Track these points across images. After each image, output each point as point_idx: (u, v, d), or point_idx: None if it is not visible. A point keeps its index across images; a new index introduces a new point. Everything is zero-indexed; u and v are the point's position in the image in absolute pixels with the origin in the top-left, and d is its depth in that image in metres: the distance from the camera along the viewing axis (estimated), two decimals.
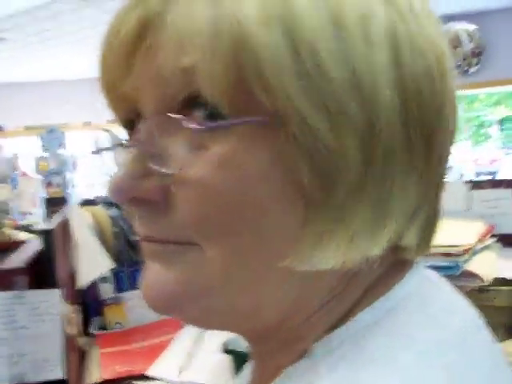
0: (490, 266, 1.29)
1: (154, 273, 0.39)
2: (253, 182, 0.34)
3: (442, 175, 0.40)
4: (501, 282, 1.27)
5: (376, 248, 0.36)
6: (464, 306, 0.42)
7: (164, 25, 0.35)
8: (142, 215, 0.39)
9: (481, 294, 1.25)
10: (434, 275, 0.43)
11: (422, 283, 0.41)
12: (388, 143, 0.34)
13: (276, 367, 0.40)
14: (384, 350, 0.35)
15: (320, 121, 0.33)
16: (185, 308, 0.39)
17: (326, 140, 0.33)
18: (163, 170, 0.36)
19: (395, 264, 0.41)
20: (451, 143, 0.39)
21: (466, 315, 0.41)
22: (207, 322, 0.41)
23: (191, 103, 0.36)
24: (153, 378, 1.47)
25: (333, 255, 0.35)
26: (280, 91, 0.32)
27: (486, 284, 1.21)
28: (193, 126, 0.35)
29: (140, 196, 0.37)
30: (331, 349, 0.37)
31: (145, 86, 0.37)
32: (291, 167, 0.34)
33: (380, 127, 0.34)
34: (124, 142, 0.40)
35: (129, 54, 0.37)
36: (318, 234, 0.35)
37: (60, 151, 6.55)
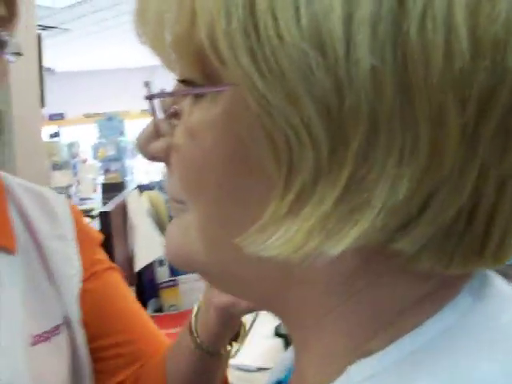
0: None
1: (170, 226, 0.41)
2: (212, 156, 0.34)
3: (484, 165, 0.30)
4: None
5: (336, 246, 0.30)
6: None
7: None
8: (166, 172, 0.41)
9: None
10: (505, 285, 0.37)
11: (484, 297, 0.35)
12: (367, 117, 0.28)
13: (313, 375, 0.38)
14: None
15: (276, 91, 0.29)
16: (185, 265, 0.41)
17: (283, 113, 0.29)
18: (164, 133, 0.39)
19: (443, 282, 0.34)
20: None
21: None
22: (210, 283, 0.43)
23: None
24: None
25: (282, 244, 0.31)
26: (232, 61, 0.30)
27: None
28: (158, 96, 0.38)
29: (152, 155, 0.40)
30: (367, 377, 0.33)
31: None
32: (250, 144, 0.32)
33: (356, 99, 0.28)
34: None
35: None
36: (279, 217, 0.31)
37: (120, 138, 6.69)
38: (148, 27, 0.37)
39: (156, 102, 0.39)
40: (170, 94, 0.38)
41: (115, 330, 0.87)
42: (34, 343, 0.77)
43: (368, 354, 0.34)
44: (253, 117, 0.31)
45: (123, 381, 0.86)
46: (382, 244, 0.31)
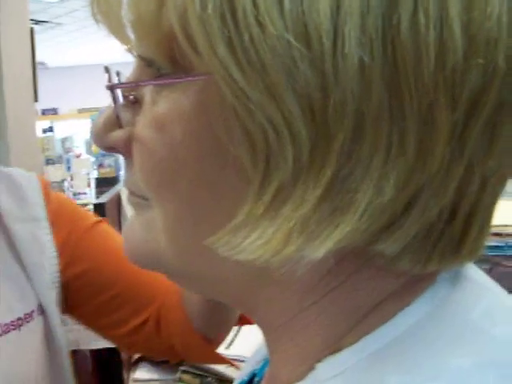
0: None
1: (130, 221, 0.39)
2: (183, 150, 0.31)
3: (471, 165, 0.29)
4: None
5: (318, 248, 0.29)
6: None
7: None
8: (125, 165, 0.39)
9: None
10: (477, 274, 0.36)
11: (457, 288, 0.34)
12: (353, 114, 0.27)
13: (282, 376, 0.38)
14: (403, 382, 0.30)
15: (255, 84, 0.27)
16: (147, 263, 0.38)
17: (262, 108, 0.27)
18: (124, 123, 0.35)
19: (417, 275, 0.33)
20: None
21: None
22: (176, 283, 0.40)
23: None
24: None
25: (260, 247, 0.29)
26: (207, 49, 0.27)
27: None
28: (116, 87, 0.35)
29: (110, 146, 0.37)
30: (336, 374, 0.32)
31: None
32: (225, 138, 0.30)
33: (341, 96, 0.26)
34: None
35: None
36: (254, 217, 0.29)
37: None
38: (105, 4, 0.34)
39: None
40: (134, 84, 0.35)
41: (115, 282, 0.86)
42: (3, 332, 0.75)
43: (338, 350, 0.33)
44: (228, 110, 0.28)
45: (146, 319, 0.86)
46: (363, 246, 0.30)
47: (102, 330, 0.88)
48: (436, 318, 0.32)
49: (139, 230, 0.37)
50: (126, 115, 0.36)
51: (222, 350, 1.47)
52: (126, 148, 0.35)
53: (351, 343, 0.33)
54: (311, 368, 0.34)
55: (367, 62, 0.26)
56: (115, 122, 0.36)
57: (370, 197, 0.28)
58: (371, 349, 0.32)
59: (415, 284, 0.33)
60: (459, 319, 0.32)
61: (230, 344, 1.42)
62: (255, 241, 0.29)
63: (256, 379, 0.47)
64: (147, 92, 0.33)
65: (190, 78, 0.30)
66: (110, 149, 0.37)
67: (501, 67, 0.27)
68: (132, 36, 0.32)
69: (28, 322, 0.78)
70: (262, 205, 0.29)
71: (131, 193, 0.38)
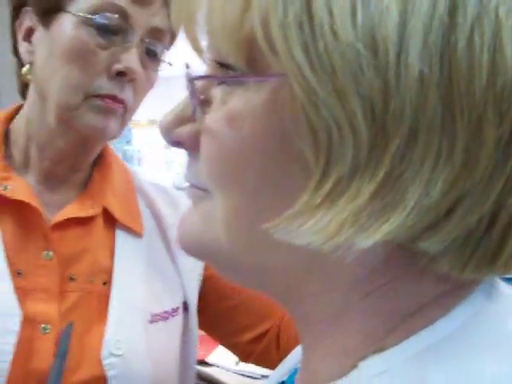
0: None
1: (187, 212, 0.41)
2: (253, 142, 0.34)
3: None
4: None
5: (367, 239, 0.31)
6: None
7: None
8: (187, 159, 0.41)
9: None
10: (509, 289, 0.38)
11: (492, 300, 0.36)
12: (409, 121, 0.29)
13: (321, 369, 0.39)
14: None
15: (325, 85, 0.30)
16: (201, 252, 0.41)
17: (329, 107, 0.30)
18: (196, 118, 0.38)
19: (456, 284, 0.36)
20: None
21: None
22: (223, 272, 0.42)
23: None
24: (212, 365, 1.53)
25: (314, 233, 0.32)
26: (285, 52, 0.31)
27: None
28: (205, 78, 0.37)
29: (177, 140, 0.40)
30: (379, 373, 0.34)
31: (206, 35, 0.38)
32: (292, 134, 0.33)
33: (400, 102, 0.29)
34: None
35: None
36: (312, 207, 0.32)
37: (126, 147, 6.71)
38: (185, 8, 0.37)
39: (189, 86, 0.38)
40: (217, 78, 0.37)
41: (238, 292, 0.93)
42: (153, 321, 0.82)
43: (381, 350, 0.35)
44: (297, 108, 0.31)
45: (269, 329, 0.93)
46: (409, 242, 0.33)
47: (223, 337, 0.95)
48: (474, 327, 0.34)
49: (196, 221, 0.40)
50: (194, 112, 0.38)
51: (231, 366, 1.48)
52: (191, 142, 0.39)
53: (394, 344, 0.35)
54: (353, 366, 0.36)
55: (426, 74, 0.29)
56: (184, 118, 0.39)
57: (418, 197, 0.30)
58: (414, 350, 0.34)
59: (453, 293, 0.36)
60: (496, 329, 0.34)
61: (239, 360, 1.42)
62: (310, 228, 0.32)
63: None
64: (217, 92, 0.37)
65: (266, 78, 0.33)
66: (176, 143, 0.40)
67: None
68: (209, 40, 0.36)
69: (173, 316, 0.86)
70: (320, 196, 0.32)
71: (191, 186, 0.41)
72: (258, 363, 0.99)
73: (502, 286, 0.38)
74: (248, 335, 0.92)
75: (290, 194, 0.34)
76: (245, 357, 0.99)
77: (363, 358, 0.35)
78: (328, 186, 0.32)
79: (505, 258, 0.34)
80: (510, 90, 0.29)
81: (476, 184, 0.31)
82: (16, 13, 0.83)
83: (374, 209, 0.31)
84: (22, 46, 0.82)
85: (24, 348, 0.74)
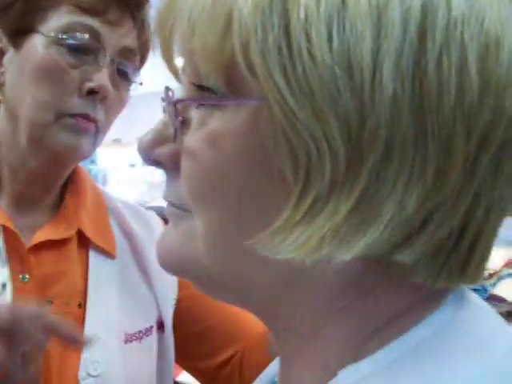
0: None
1: (166, 231, 0.42)
2: (233, 163, 0.35)
3: (481, 188, 0.33)
4: None
5: (346, 253, 0.33)
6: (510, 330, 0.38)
7: (175, 9, 0.37)
8: (166, 178, 0.42)
9: (509, 317, 1.27)
10: (477, 299, 0.40)
11: (463, 308, 0.38)
12: (384, 139, 0.31)
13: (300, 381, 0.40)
14: None
15: (304, 107, 0.31)
16: (182, 271, 0.42)
17: (308, 128, 0.32)
18: (175, 139, 0.39)
19: (428, 293, 0.38)
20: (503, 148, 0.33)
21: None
22: (204, 289, 0.42)
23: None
24: None
25: (296, 249, 0.33)
26: (265, 76, 0.32)
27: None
28: (186, 101, 0.38)
29: (156, 159, 0.41)
30: (356, 381, 0.35)
31: (183, 59, 0.39)
32: (272, 153, 0.34)
33: (376, 121, 0.31)
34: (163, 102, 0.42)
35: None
36: (292, 223, 0.33)
37: (91, 166, 6.64)
38: (164, 33, 0.38)
39: (167, 108, 0.40)
40: (198, 101, 0.38)
41: (212, 314, 0.92)
42: (127, 341, 0.83)
43: (359, 358, 0.36)
44: (277, 128, 0.33)
45: (233, 355, 0.92)
46: (385, 255, 0.34)
47: (187, 361, 0.94)
48: (446, 334, 0.36)
49: (176, 239, 0.40)
50: (172, 133, 0.39)
51: None
52: (172, 162, 0.40)
53: (370, 352, 0.36)
54: (334, 374, 0.37)
55: (399, 93, 0.30)
56: (163, 138, 0.40)
57: (393, 212, 0.32)
58: (389, 358, 0.35)
59: (426, 302, 0.37)
60: (466, 335, 0.36)
61: None
62: (291, 243, 0.33)
63: None
64: (195, 113, 0.38)
65: (246, 101, 0.34)
66: (155, 162, 0.41)
67: (507, 109, 0.32)
68: (188, 62, 0.37)
69: (147, 336, 0.85)
70: (300, 213, 0.33)
71: (171, 204, 0.41)
72: None
73: (471, 295, 0.40)
74: (213, 360, 0.93)
75: (271, 211, 0.35)
76: (208, 382, 0.99)
77: (342, 367, 0.36)
78: (307, 203, 0.33)
79: (473, 267, 0.37)
80: (476, 107, 0.31)
81: (447, 198, 0.33)
82: None
83: (352, 224, 0.32)
84: None
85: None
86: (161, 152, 0.40)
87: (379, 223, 0.32)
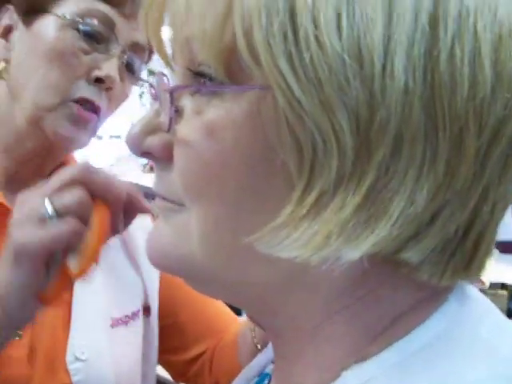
0: (488, 270, 1.35)
1: (156, 226, 0.40)
2: (234, 154, 0.33)
3: (489, 184, 0.33)
4: (498, 286, 1.34)
5: (354, 251, 0.32)
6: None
7: None
8: (156, 170, 0.40)
9: None
10: (478, 293, 0.40)
11: (466, 305, 0.37)
12: (394, 132, 0.30)
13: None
14: None
15: (310, 97, 0.30)
16: (174, 267, 0.39)
17: (314, 119, 0.30)
18: (168, 128, 0.36)
19: (431, 291, 0.37)
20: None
21: None
22: (197, 287, 0.41)
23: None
24: None
25: (301, 246, 0.32)
26: (270, 64, 0.30)
27: (485, 288, 1.28)
28: (186, 88, 0.36)
29: (147, 150, 0.38)
30: (364, 380, 0.34)
31: (174, 45, 0.37)
32: (275, 145, 0.32)
33: (386, 113, 0.30)
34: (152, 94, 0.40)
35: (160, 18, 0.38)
36: (296, 218, 0.32)
37: None
38: (154, 13, 0.36)
39: (159, 96, 0.38)
40: (199, 88, 0.35)
41: (184, 308, 0.92)
42: (114, 325, 0.83)
43: (364, 359, 0.35)
44: (281, 119, 0.31)
45: (204, 352, 0.92)
46: (393, 252, 0.33)
47: (162, 353, 0.93)
48: (450, 335, 0.35)
49: (168, 235, 0.38)
50: (164, 122, 0.37)
51: None
52: (163, 153, 0.37)
53: (375, 353, 0.35)
54: (337, 375, 0.36)
55: (410, 85, 0.29)
56: (152, 128, 0.38)
57: (402, 207, 0.31)
58: (394, 360, 0.34)
59: (429, 300, 0.37)
60: (470, 336, 0.35)
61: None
62: (296, 240, 0.32)
63: None
64: (189, 101, 0.35)
65: (248, 88, 0.32)
66: (145, 153, 0.38)
67: None
68: (184, 47, 0.35)
69: (134, 320, 0.85)
70: (304, 208, 0.32)
71: (162, 198, 0.39)
72: None
73: (471, 289, 0.40)
74: (184, 355, 0.93)
75: (273, 205, 0.33)
76: (178, 376, 0.99)
77: (346, 367, 0.36)
78: (312, 197, 0.31)
79: (478, 262, 0.36)
80: (489, 102, 0.30)
81: (456, 193, 0.32)
82: None
83: (360, 220, 0.31)
84: None
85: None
86: (152, 142, 0.38)
87: (388, 219, 0.31)
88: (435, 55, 0.29)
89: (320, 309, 0.37)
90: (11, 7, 0.81)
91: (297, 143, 0.31)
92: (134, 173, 2.73)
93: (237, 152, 0.33)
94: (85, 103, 0.77)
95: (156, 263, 0.40)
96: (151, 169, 2.63)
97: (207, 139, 0.34)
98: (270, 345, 0.49)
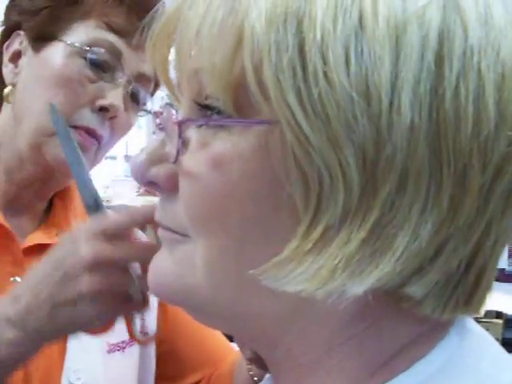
0: None
1: (159, 257, 0.39)
2: (240, 187, 0.33)
3: (491, 222, 0.33)
4: (492, 315, 1.33)
5: (359, 285, 0.32)
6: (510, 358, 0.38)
7: (181, 22, 0.35)
8: (159, 200, 0.40)
9: None
10: (477, 327, 0.40)
11: (466, 340, 0.37)
12: (399, 168, 0.30)
13: None
14: None
15: (318, 133, 0.30)
16: (176, 298, 0.39)
17: (322, 154, 0.30)
18: (173, 160, 0.36)
19: (432, 324, 0.37)
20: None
21: None
22: (200, 319, 0.40)
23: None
24: None
25: (306, 280, 0.32)
26: (278, 99, 0.30)
27: (479, 316, 1.27)
28: (191, 121, 0.36)
29: (151, 181, 0.38)
30: None
31: (180, 76, 0.37)
32: (282, 179, 0.32)
33: (392, 150, 0.30)
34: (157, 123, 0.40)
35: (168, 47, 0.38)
36: (301, 253, 0.32)
37: None
38: (163, 44, 0.37)
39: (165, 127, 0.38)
40: (207, 122, 0.35)
41: (180, 336, 0.91)
42: (110, 351, 0.82)
43: None
44: (288, 154, 0.31)
45: (200, 380, 0.91)
46: (397, 287, 0.33)
47: (159, 381, 0.91)
48: (451, 370, 0.35)
49: (172, 266, 0.38)
50: (170, 153, 0.37)
51: None
52: (168, 183, 0.37)
53: None
54: None
55: (416, 122, 0.30)
56: (157, 158, 0.38)
57: (406, 242, 0.31)
58: None
59: (430, 334, 0.36)
60: (472, 368, 0.35)
61: None
62: (301, 274, 0.32)
63: None
64: (195, 133, 0.36)
65: (257, 123, 0.32)
66: (149, 184, 0.38)
67: None
68: (191, 80, 0.35)
69: (130, 346, 0.84)
70: (310, 242, 0.32)
71: (166, 229, 0.39)
72: None
73: (471, 323, 0.39)
74: (181, 382, 0.92)
75: (279, 238, 0.33)
76: None
77: None
78: (318, 231, 0.31)
79: (479, 296, 0.36)
80: (492, 139, 0.31)
81: (459, 228, 0.32)
82: (7, 34, 0.83)
83: (365, 255, 0.31)
84: (7, 67, 0.82)
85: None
86: (157, 172, 0.38)
87: (392, 254, 0.31)
88: (441, 93, 0.30)
89: (322, 341, 0.37)
90: (22, 33, 0.82)
91: (303, 178, 0.31)
92: (129, 194, 2.73)
93: (243, 185, 0.33)
94: (87, 131, 0.78)
95: (158, 293, 0.40)
96: (146, 190, 2.63)
97: (213, 171, 0.34)
98: (266, 377, 0.48)
